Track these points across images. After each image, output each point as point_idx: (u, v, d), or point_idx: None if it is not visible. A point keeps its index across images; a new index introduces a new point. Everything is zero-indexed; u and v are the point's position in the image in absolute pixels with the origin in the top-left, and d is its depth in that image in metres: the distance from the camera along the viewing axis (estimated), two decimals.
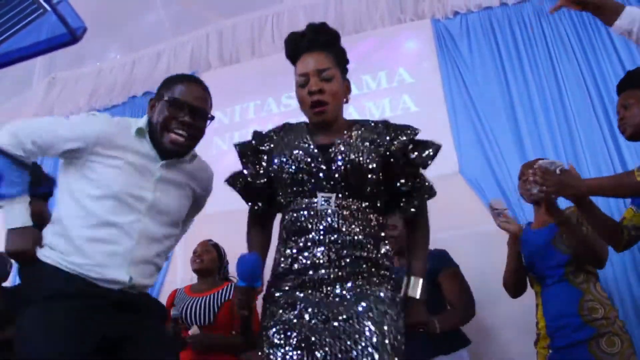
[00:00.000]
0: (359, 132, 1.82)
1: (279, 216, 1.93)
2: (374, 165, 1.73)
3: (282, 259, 1.75)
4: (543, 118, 3.91)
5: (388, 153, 1.77)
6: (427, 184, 1.84)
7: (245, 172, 1.94)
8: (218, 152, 4.81)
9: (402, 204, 1.83)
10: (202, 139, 2.07)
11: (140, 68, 5.74)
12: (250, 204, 1.95)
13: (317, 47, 1.85)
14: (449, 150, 3.91)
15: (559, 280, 2.55)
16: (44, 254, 1.78)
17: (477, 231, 3.69)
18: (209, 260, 3.52)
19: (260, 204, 1.92)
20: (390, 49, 4.76)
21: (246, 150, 1.96)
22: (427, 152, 1.80)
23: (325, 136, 1.83)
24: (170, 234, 1.99)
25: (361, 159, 1.71)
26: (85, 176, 1.84)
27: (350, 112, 4.15)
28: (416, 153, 1.81)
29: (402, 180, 1.79)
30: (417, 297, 1.75)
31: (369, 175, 1.73)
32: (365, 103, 4.53)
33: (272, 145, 1.89)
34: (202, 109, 2.00)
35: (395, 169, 1.78)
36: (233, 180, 1.95)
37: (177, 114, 1.93)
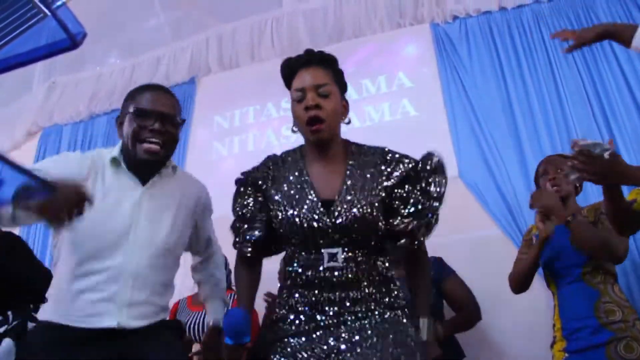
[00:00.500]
0: (359, 170, 1.74)
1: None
2: (377, 213, 1.68)
3: (287, 307, 1.71)
4: (542, 123, 3.91)
5: (385, 190, 1.72)
6: (429, 215, 1.71)
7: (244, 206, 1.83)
8: (218, 157, 4.82)
9: (402, 240, 1.74)
10: (176, 146, 1.98)
11: (140, 73, 5.74)
12: (239, 246, 1.83)
13: (314, 63, 1.80)
14: (448, 154, 3.90)
15: (576, 280, 2.46)
16: (41, 312, 1.77)
17: (477, 236, 3.69)
18: None
19: (250, 249, 1.81)
20: (389, 53, 4.77)
21: (244, 189, 1.85)
22: (435, 186, 1.71)
23: (323, 168, 1.76)
24: (166, 265, 1.88)
25: (366, 212, 1.66)
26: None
27: (350, 116, 4.17)
28: (417, 187, 1.72)
29: (400, 218, 1.71)
30: (425, 339, 1.71)
31: (375, 226, 1.69)
32: (365, 107, 4.53)
33: (267, 189, 1.79)
34: (171, 114, 1.89)
35: (393, 203, 1.72)
36: (241, 245, 1.83)
37: (146, 123, 1.83)
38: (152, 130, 1.83)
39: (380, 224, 1.69)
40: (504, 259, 2.83)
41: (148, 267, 1.79)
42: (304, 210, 1.67)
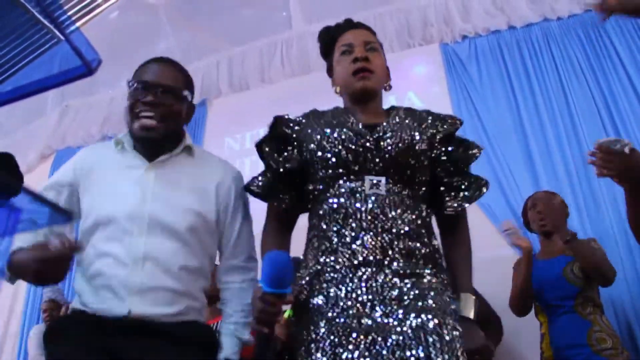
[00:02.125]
0: (403, 113, 1.62)
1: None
2: (425, 147, 1.51)
3: (320, 254, 1.47)
4: (554, 140, 3.89)
5: (432, 141, 1.56)
6: (473, 181, 1.59)
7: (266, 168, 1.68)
8: None
9: (446, 200, 1.56)
10: (182, 122, 1.80)
11: None
12: (270, 200, 1.66)
13: (359, 26, 1.73)
14: None
15: (569, 311, 2.60)
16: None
17: (488, 255, 3.64)
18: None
19: (285, 198, 1.62)
20: (399, 73, 4.73)
21: (268, 139, 1.70)
22: (471, 151, 1.62)
23: (366, 117, 1.60)
24: (186, 249, 1.64)
25: (414, 138, 1.49)
26: (80, 211, 1.67)
27: None
28: (460, 149, 1.61)
29: (444, 174, 1.56)
30: (472, 317, 1.47)
31: (422, 158, 1.50)
32: None
33: (301, 127, 1.64)
34: (166, 85, 1.71)
35: (437, 162, 1.57)
36: (250, 182, 1.69)
37: (140, 96, 1.69)
38: (144, 103, 1.68)
39: (426, 160, 1.52)
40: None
41: (161, 249, 1.59)
42: (344, 130, 1.51)
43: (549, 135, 3.92)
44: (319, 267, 1.46)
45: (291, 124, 1.67)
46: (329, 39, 1.75)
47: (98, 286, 1.56)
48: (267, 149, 1.67)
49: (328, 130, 1.52)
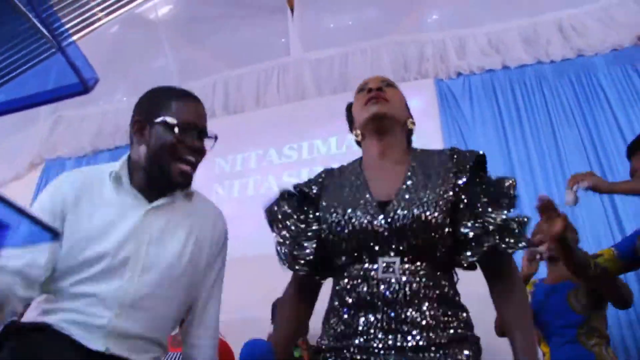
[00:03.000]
0: (420, 168, 1.50)
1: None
2: (443, 215, 1.37)
3: (334, 332, 1.40)
4: (542, 179, 3.95)
5: (454, 190, 1.43)
6: (510, 225, 1.37)
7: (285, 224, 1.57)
8: (217, 199, 4.71)
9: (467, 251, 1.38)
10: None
11: None
12: (288, 264, 1.54)
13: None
14: None
15: (571, 341, 2.45)
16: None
17: (480, 292, 3.64)
18: None
19: (305, 267, 1.51)
20: None
21: (281, 208, 1.60)
22: (503, 187, 1.47)
23: (381, 169, 1.52)
24: (173, 297, 1.56)
25: (428, 212, 1.36)
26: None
27: None
28: (485, 188, 1.47)
29: (468, 224, 1.40)
30: None
31: (440, 232, 1.37)
32: None
33: (320, 192, 1.56)
34: (207, 131, 1.64)
35: (461, 212, 1.42)
36: (279, 253, 1.55)
37: (186, 139, 1.56)
38: (191, 148, 1.57)
39: (447, 229, 1.38)
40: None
41: (150, 295, 1.50)
42: (357, 211, 1.41)
43: (537, 174, 3.98)
44: (336, 344, 1.39)
45: (313, 185, 1.59)
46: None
47: (70, 321, 1.44)
48: (280, 222, 1.57)
49: (341, 212, 1.44)
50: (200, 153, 1.60)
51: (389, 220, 1.37)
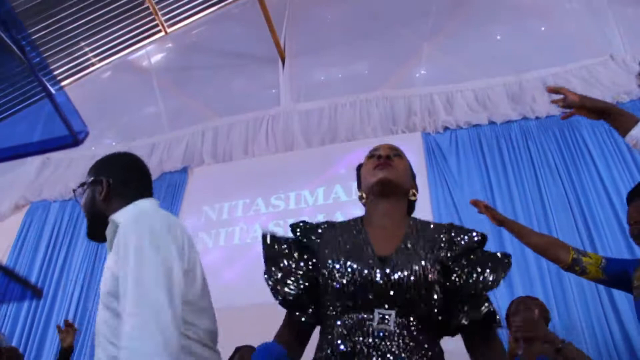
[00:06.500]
0: (417, 234, 1.57)
1: None
2: (437, 275, 1.44)
3: None
4: None
5: (442, 261, 1.49)
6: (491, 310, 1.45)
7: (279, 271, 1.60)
8: (203, 248, 4.73)
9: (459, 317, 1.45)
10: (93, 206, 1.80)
11: None
12: (283, 305, 1.58)
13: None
14: None
15: None
16: None
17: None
18: None
19: (296, 312, 1.56)
20: None
21: (281, 247, 1.64)
22: (493, 276, 1.52)
23: (382, 229, 1.59)
24: (109, 319, 1.51)
25: (425, 269, 1.43)
26: None
27: (338, 217, 4.19)
28: (479, 272, 1.52)
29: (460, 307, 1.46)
30: None
31: (436, 288, 1.43)
32: (353, 211, 4.54)
33: (320, 241, 1.61)
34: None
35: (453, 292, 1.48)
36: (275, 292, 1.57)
37: None
38: None
39: (440, 289, 1.44)
40: None
41: (99, 321, 1.52)
42: (358, 262, 1.45)
43: None
44: None
45: (313, 233, 1.64)
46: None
47: None
48: (275, 264, 1.61)
49: (341, 262, 1.48)
50: None
51: (387, 272, 1.42)
